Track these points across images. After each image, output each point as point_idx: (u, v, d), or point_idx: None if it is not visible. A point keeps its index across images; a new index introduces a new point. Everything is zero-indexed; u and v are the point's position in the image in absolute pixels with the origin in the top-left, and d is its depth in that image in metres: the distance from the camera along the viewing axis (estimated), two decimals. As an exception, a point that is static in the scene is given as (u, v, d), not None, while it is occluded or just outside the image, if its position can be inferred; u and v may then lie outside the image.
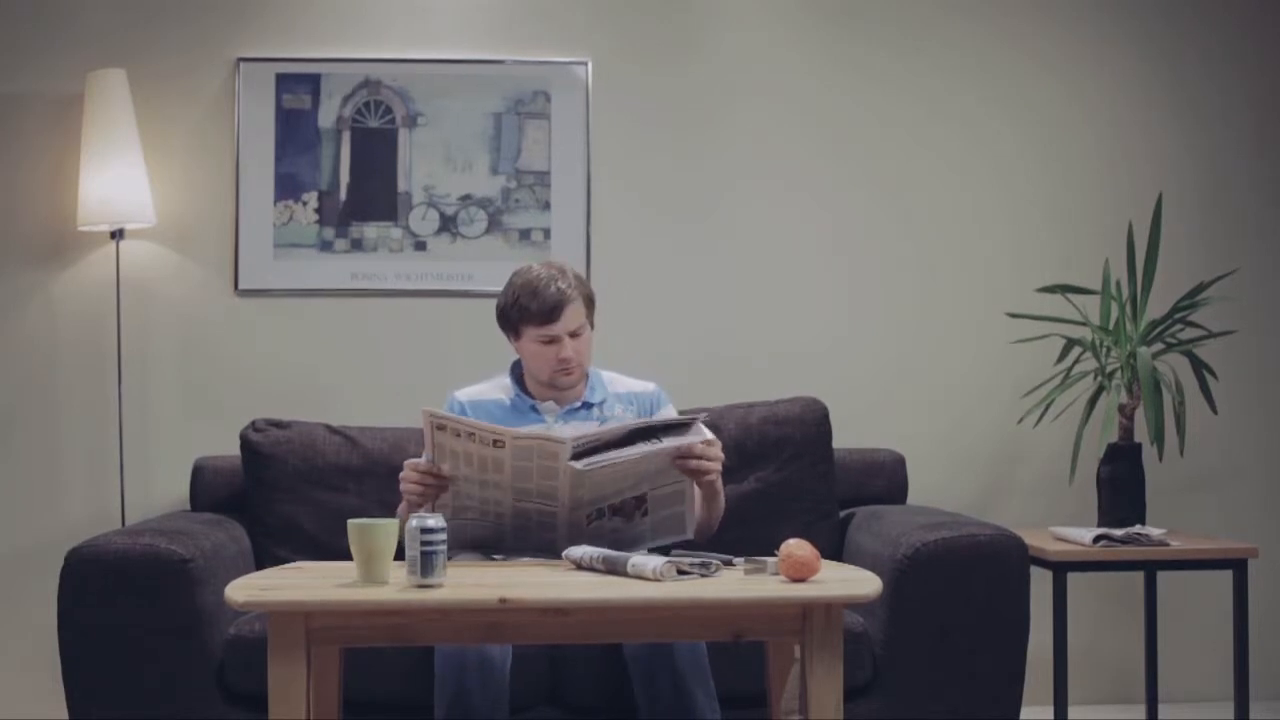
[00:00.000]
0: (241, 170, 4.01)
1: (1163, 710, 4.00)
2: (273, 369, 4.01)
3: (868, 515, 3.58)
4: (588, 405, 3.24)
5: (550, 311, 3.13)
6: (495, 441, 2.76)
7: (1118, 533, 3.56)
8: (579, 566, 2.72)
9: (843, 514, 3.69)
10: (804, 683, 2.51)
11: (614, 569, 2.63)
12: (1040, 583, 3.47)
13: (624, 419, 3.22)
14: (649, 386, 3.34)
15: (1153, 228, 3.89)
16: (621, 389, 3.31)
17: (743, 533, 3.43)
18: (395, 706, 3.10)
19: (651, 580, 2.54)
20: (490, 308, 4.00)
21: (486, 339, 4.02)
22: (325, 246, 4.02)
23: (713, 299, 4.12)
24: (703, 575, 2.59)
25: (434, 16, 4.08)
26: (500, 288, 4.04)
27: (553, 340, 3.14)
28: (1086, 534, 3.57)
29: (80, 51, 3.96)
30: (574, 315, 3.14)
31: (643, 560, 2.58)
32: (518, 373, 3.29)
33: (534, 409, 3.22)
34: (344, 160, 4.03)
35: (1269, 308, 4.23)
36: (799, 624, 2.47)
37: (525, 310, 3.14)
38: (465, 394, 3.28)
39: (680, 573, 2.58)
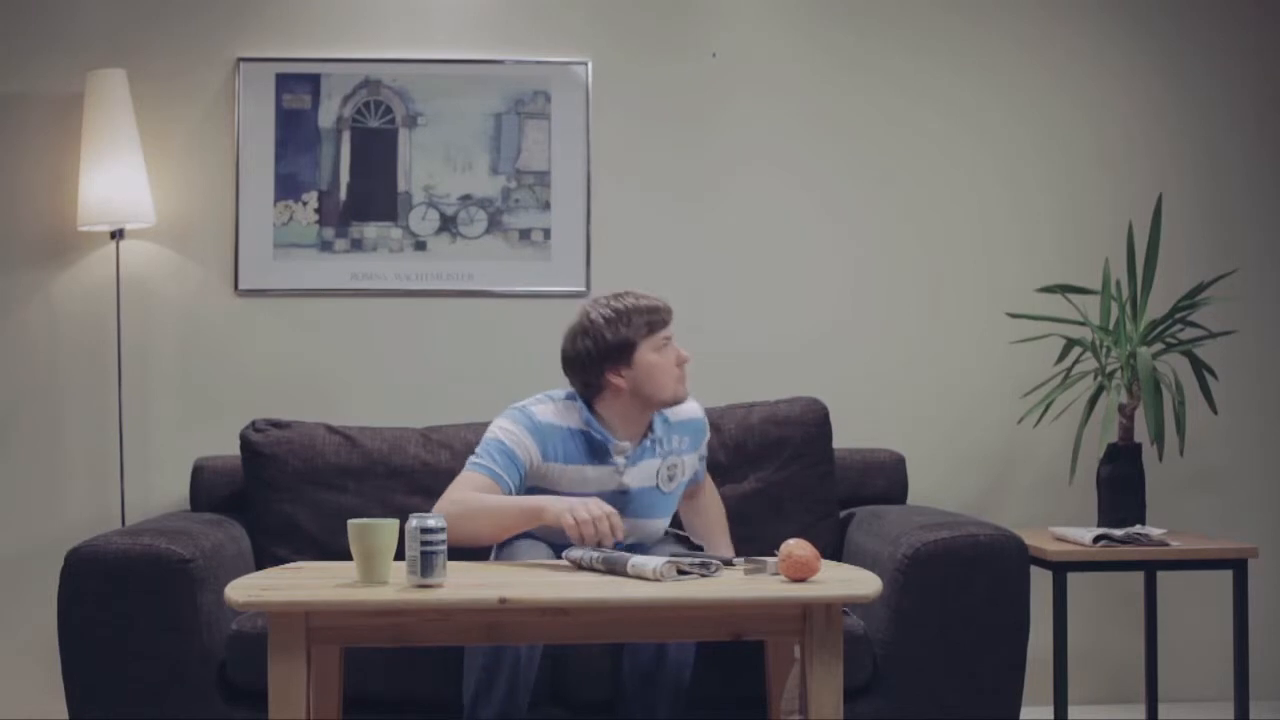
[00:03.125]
0: (241, 170, 4.01)
1: (1163, 710, 4.00)
2: (273, 369, 4.01)
3: (868, 515, 3.58)
4: (653, 441, 3.20)
5: (664, 311, 3.16)
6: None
7: (1118, 533, 3.56)
8: (579, 567, 2.72)
9: (843, 514, 3.69)
10: (804, 683, 2.51)
11: (614, 569, 2.63)
12: (1040, 583, 3.47)
13: (681, 452, 3.22)
14: (697, 414, 3.31)
15: (1153, 228, 3.89)
16: (673, 418, 3.26)
17: (743, 533, 3.43)
18: (395, 706, 3.11)
19: (652, 580, 2.54)
20: (490, 307, 4.02)
21: (486, 339, 4.03)
22: (325, 246, 4.02)
23: (713, 299, 4.11)
24: (703, 575, 2.60)
25: (434, 16, 4.08)
26: (501, 287, 4.06)
27: (669, 341, 3.15)
28: (1086, 534, 3.57)
29: (80, 51, 3.96)
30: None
31: (643, 560, 2.59)
32: (589, 406, 3.17)
33: (607, 449, 3.14)
34: (344, 160, 4.03)
35: (1269, 308, 4.23)
36: (799, 624, 2.48)
37: (642, 323, 3.13)
38: (542, 415, 3.14)
39: (680, 573, 2.58)
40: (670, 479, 3.21)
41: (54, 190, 3.95)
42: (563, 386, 3.23)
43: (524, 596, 2.43)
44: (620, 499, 3.10)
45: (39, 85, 3.97)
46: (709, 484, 3.42)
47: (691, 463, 3.28)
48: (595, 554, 2.69)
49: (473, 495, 3.00)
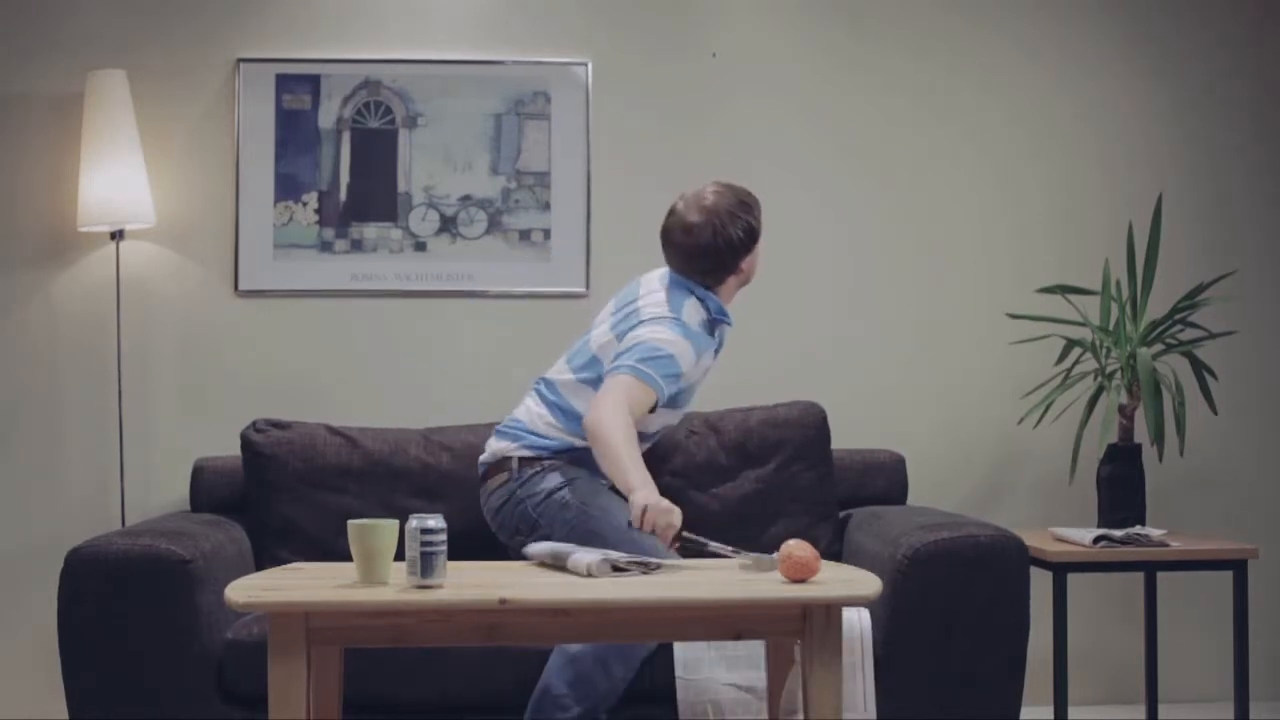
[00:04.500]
0: (241, 170, 4.01)
1: (1163, 710, 4.00)
2: (273, 369, 4.01)
3: (868, 515, 3.58)
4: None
5: None
6: None
7: (1118, 533, 3.56)
8: (539, 565, 2.77)
9: (843, 514, 3.69)
10: (804, 683, 2.51)
11: (558, 563, 2.68)
12: (1040, 583, 3.47)
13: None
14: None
15: (1153, 228, 3.89)
16: None
17: (743, 533, 3.43)
18: (395, 706, 3.11)
19: (584, 577, 2.56)
20: (490, 308, 4.01)
21: (486, 339, 4.03)
22: (325, 247, 4.02)
23: (713, 299, 4.11)
24: (644, 572, 2.61)
25: (434, 16, 4.08)
26: (501, 288, 4.06)
27: None
28: (1086, 534, 3.57)
29: (80, 51, 3.96)
30: None
31: (580, 557, 2.61)
32: (704, 299, 3.27)
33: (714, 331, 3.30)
34: (344, 160, 4.03)
35: (1269, 308, 4.23)
36: (799, 624, 2.48)
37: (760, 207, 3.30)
38: (696, 324, 3.21)
39: (615, 569, 2.60)
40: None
41: (54, 190, 3.95)
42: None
43: (524, 597, 2.43)
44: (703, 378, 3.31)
45: (39, 85, 3.97)
46: None
47: None
48: (545, 548, 2.74)
49: (628, 427, 2.98)
